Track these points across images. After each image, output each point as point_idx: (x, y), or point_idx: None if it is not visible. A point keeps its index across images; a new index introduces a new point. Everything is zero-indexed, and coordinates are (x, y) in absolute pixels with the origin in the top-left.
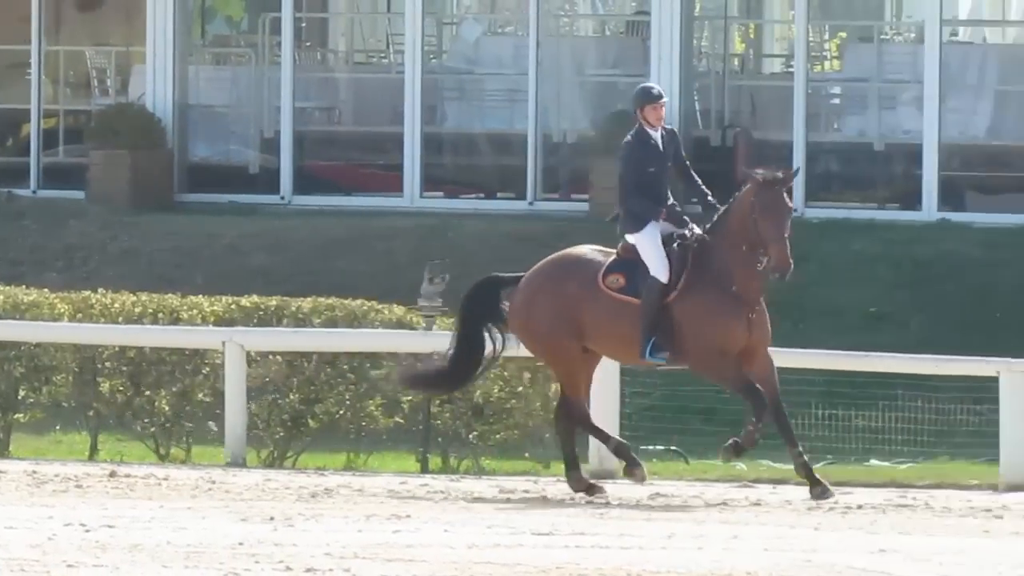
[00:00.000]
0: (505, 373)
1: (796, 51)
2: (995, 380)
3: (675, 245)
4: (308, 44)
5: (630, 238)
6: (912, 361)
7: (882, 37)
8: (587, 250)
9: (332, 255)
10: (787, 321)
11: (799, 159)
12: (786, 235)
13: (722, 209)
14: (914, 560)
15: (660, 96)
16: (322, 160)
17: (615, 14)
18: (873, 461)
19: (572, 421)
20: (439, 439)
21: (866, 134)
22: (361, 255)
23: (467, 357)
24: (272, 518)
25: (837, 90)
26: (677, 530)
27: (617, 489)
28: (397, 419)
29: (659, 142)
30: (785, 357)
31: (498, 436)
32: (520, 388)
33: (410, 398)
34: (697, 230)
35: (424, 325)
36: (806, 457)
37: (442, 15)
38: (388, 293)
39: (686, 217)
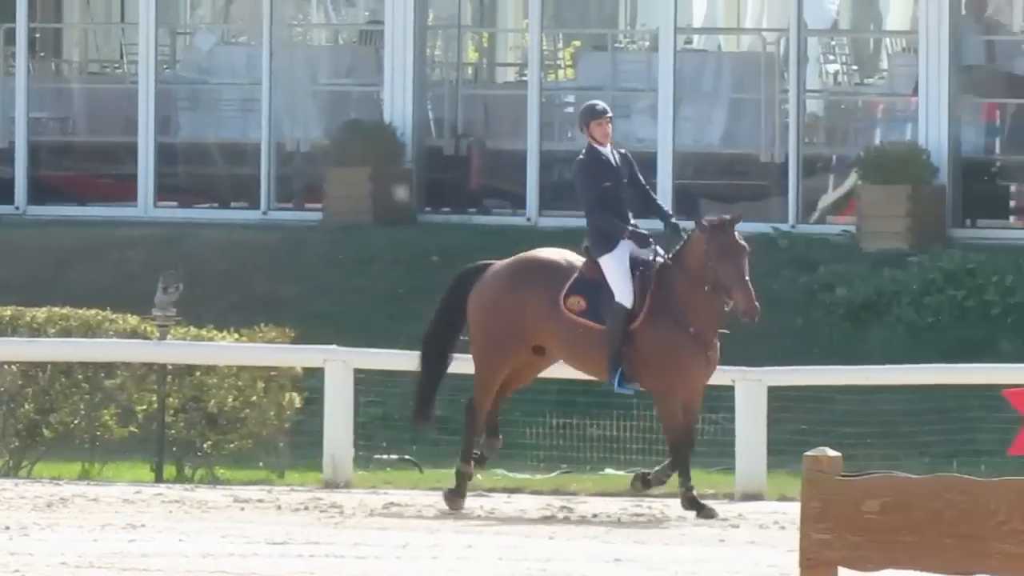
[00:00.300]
0: (239, 383)
1: (530, 60)
2: (730, 389)
3: (639, 270)
4: (42, 54)
5: (600, 259)
6: None
7: (616, 45)
8: (556, 257)
9: (67, 265)
10: None
11: (533, 168)
12: (746, 277)
13: (678, 247)
14: (650, 569)
15: (604, 112)
16: (57, 170)
17: (348, 23)
18: (608, 470)
19: (494, 407)
20: (174, 448)
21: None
22: (96, 265)
23: (440, 343)
24: (7, 527)
25: (571, 99)
26: (412, 540)
27: (350, 498)
28: (132, 428)
29: (611, 158)
30: None
31: (232, 445)
32: (254, 398)
33: (144, 407)
34: (661, 253)
35: (158, 335)
36: (695, 492)
37: (176, 25)
38: (123, 303)
39: (651, 239)
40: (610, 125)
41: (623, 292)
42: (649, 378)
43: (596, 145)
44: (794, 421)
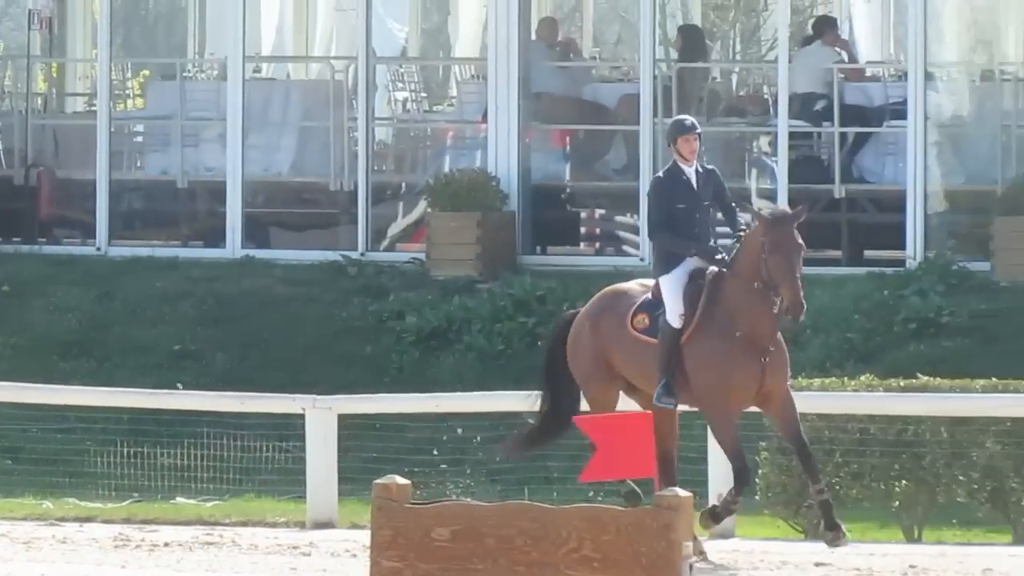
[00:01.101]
0: None
1: (99, 90)
2: (301, 417)
3: (695, 284)
4: None
5: (660, 279)
6: (217, 399)
7: (185, 75)
8: (632, 286)
9: None
10: (91, 360)
11: (103, 198)
12: (798, 275)
13: (734, 251)
14: None
15: (693, 127)
16: None
17: None
18: (179, 499)
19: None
20: None
21: (169, 172)
22: None
23: (559, 405)
24: None
25: (141, 128)
26: None
27: None
28: None
29: (692, 178)
30: (86, 396)
31: None
32: None
33: None
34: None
35: None
36: (827, 495)
37: None
38: None
39: (721, 255)
40: (697, 141)
41: (672, 310)
42: (697, 396)
43: (680, 163)
44: (365, 449)
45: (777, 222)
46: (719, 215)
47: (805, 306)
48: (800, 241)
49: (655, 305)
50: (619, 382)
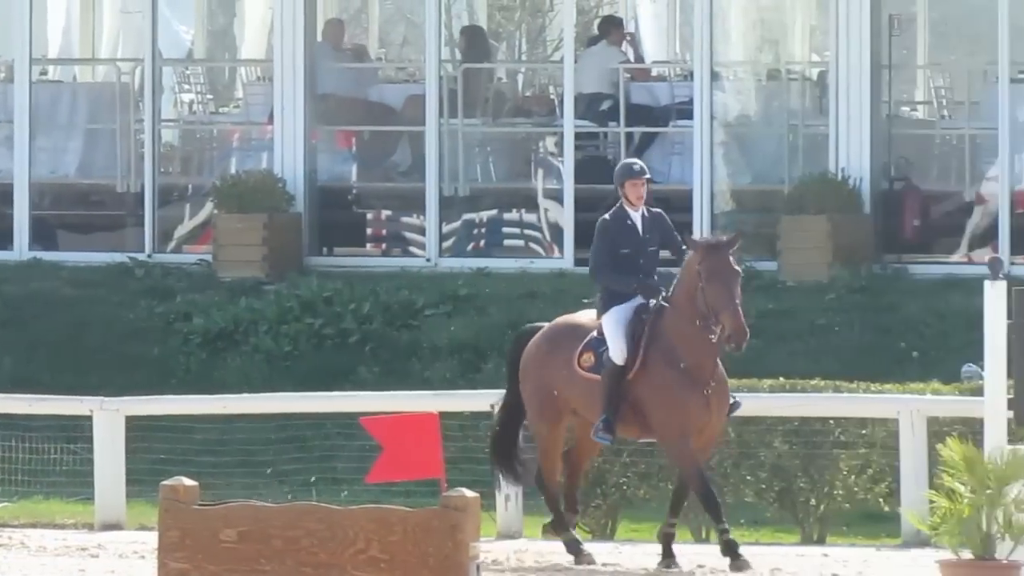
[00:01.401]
0: None
1: None
2: (89, 419)
3: (633, 319)
4: None
5: (602, 319)
6: (4, 400)
7: None
8: (583, 319)
9: None
10: None
11: None
12: (737, 301)
13: (673, 283)
14: None
15: (642, 172)
16: None
17: None
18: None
19: (570, 480)
20: None
21: None
22: None
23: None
24: None
25: None
26: None
27: None
28: None
29: (638, 223)
30: None
31: None
32: None
33: None
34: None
35: None
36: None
37: None
38: None
39: (663, 291)
40: (645, 187)
41: (615, 347)
42: (650, 428)
43: (627, 206)
44: (153, 451)
45: (711, 249)
46: (670, 256)
47: (748, 333)
48: (737, 267)
49: (600, 343)
50: (567, 418)
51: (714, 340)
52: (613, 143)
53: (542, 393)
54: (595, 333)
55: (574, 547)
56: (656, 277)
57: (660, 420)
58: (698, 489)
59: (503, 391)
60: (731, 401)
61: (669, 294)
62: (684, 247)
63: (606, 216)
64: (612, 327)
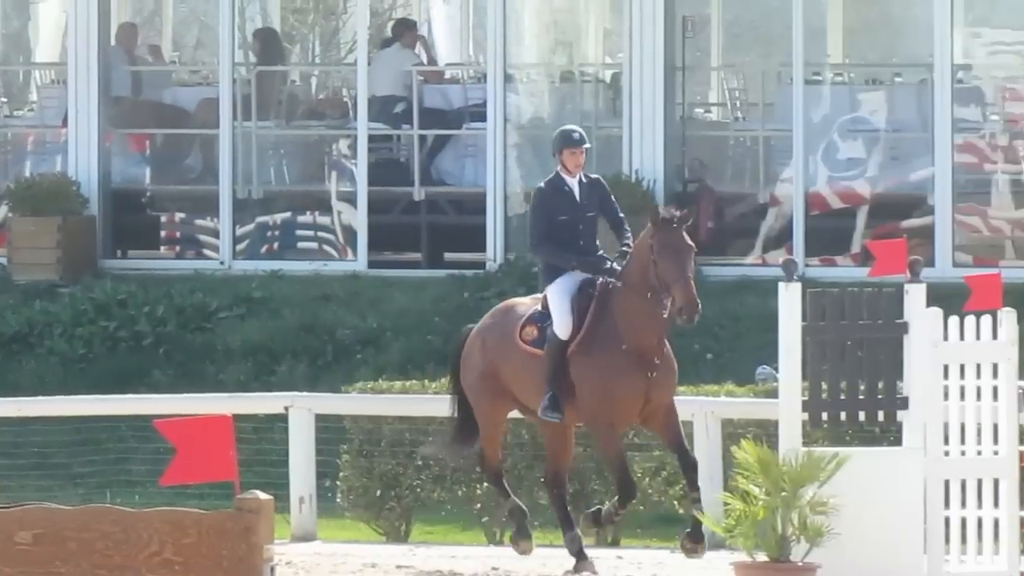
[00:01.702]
0: None
1: None
2: None
3: (584, 295)
4: None
5: (547, 290)
6: None
7: None
8: (526, 300)
9: None
10: None
11: None
12: (689, 274)
13: (625, 260)
14: None
15: (581, 141)
16: None
17: None
18: None
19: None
20: None
21: None
22: None
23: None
24: None
25: None
26: None
27: None
28: None
29: (575, 189)
30: None
31: None
32: None
33: None
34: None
35: None
36: (701, 506)
37: None
38: None
39: (608, 265)
40: (583, 156)
41: (559, 321)
42: (582, 410)
43: (563, 174)
44: None
45: (665, 223)
46: (608, 227)
47: (700, 306)
48: (690, 242)
49: (544, 316)
50: (508, 399)
51: (665, 315)
52: (406, 145)
53: (481, 371)
54: (539, 307)
55: (523, 531)
56: (597, 246)
57: (589, 401)
58: (619, 474)
59: (296, 393)
60: None
61: (620, 270)
62: (621, 214)
63: (541, 184)
64: (557, 299)
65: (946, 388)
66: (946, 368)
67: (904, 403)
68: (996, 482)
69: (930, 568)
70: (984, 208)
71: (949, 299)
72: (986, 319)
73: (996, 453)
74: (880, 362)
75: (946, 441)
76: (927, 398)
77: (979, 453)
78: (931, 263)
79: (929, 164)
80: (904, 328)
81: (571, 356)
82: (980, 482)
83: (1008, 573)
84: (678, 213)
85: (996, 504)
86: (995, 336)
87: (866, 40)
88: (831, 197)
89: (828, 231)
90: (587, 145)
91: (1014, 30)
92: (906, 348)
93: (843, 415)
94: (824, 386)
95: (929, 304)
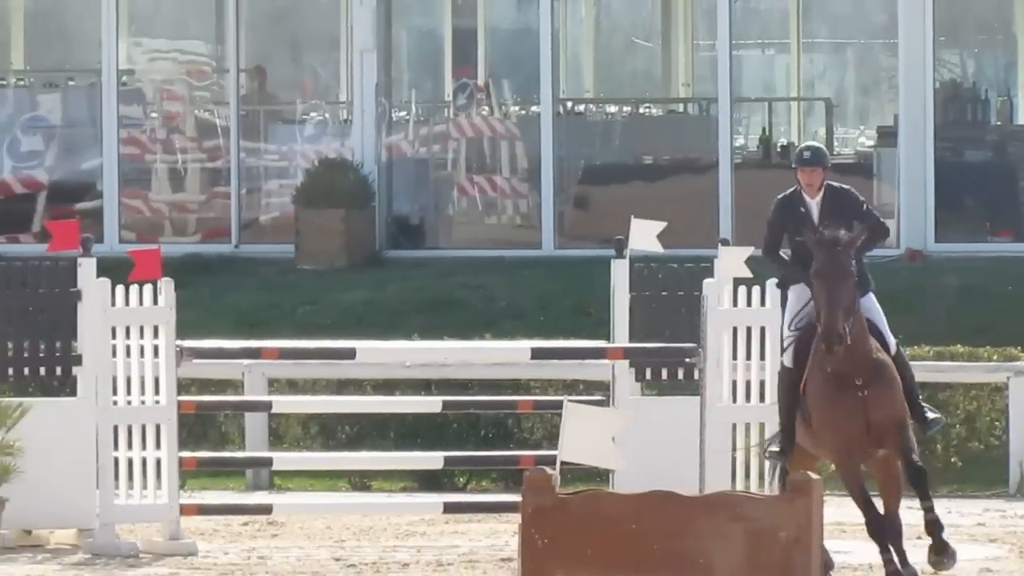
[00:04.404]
0: None
1: None
2: None
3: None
4: None
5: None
6: None
7: None
8: None
9: None
10: None
11: None
12: (839, 304)
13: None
14: None
15: (808, 161)
16: None
17: None
18: None
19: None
20: None
21: None
22: None
23: None
24: None
25: None
26: None
27: None
28: None
29: (812, 209)
30: None
31: None
32: None
33: None
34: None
35: None
36: (936, 514)
37: None
38: None
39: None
40: (815, 176)
41: (786, 348)
42: (821, 440)
43: (802, 191)
44: None
45: (824, 245)
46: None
47: (842, 337)
48: (849, 268)
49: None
50: None
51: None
52: None
53: None
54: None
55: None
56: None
57: (820, 436)
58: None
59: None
60: (930, 416)
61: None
62: (883, 222)
63: (780, 196)
64: (790, 313)
65: (115, 347)
66: (115, 329)
67: (79, 360)
68: (158, 427)
69: (102, 502)
70: (146, 192)
71: (117, 270)
72: (148, 288)
73: (158, 402)
74: (58, 324)
75: (115, 392)
76: (98, 355)
77: (143, 402)
78: (101, 240)
79: (98, 155)
80: (78, 295)
81: (803, 390)
82: (144, 427)
83: (169, 506)
84: (841, 234)
85: (159, 446)
86: (156, 302)
87: (44, 49)
88: (16, 184)
89: (15, 213)
90: (818, 168)
91: (169, 39)
92: (80, 313)
93: (26, 370)
94: (10, 345)
95: (100, 275)
